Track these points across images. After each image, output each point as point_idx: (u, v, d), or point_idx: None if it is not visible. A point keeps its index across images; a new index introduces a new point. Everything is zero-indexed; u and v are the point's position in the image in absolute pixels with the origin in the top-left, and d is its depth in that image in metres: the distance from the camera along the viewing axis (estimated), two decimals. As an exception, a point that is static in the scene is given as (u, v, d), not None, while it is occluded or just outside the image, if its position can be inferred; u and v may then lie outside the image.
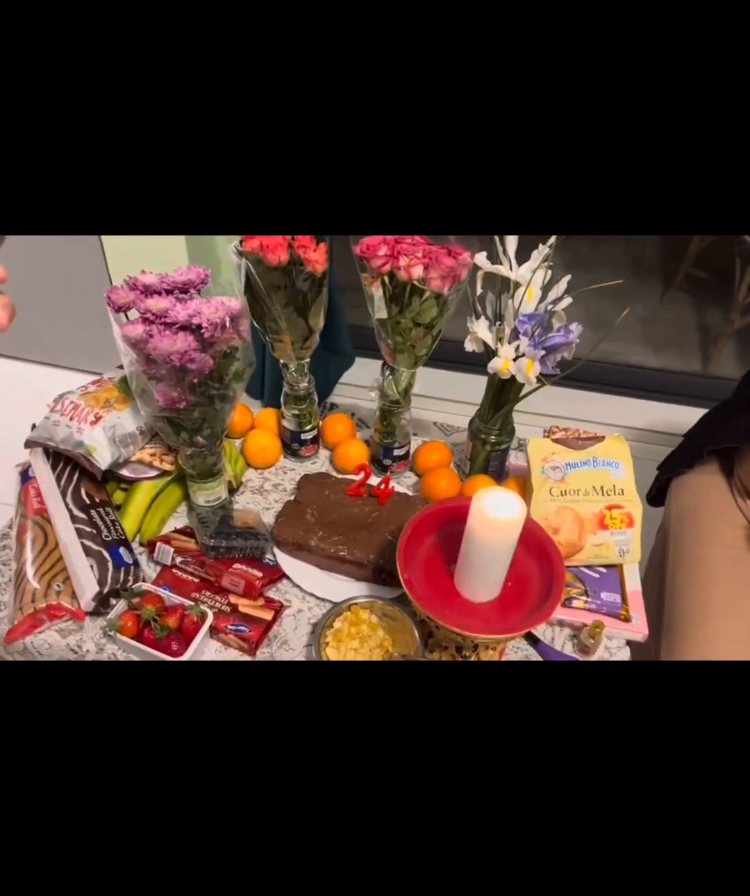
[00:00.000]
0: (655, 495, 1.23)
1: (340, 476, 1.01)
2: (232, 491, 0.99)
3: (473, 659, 0.80)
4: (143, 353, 0.73)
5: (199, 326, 0.70)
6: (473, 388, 0.99)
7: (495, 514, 0.65)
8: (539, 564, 0.76)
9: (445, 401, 1.50)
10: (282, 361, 0.97)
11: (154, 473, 0.93)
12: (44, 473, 0.89)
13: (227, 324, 0.72)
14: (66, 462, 0.90)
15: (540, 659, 0.83)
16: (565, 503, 0.88)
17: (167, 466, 0.93)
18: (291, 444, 1.06)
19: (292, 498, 0.97)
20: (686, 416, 1.32)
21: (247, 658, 0.82)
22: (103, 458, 0.85)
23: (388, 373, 0.95)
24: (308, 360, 0.97)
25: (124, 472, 0.92)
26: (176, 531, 0.93)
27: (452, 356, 1.49)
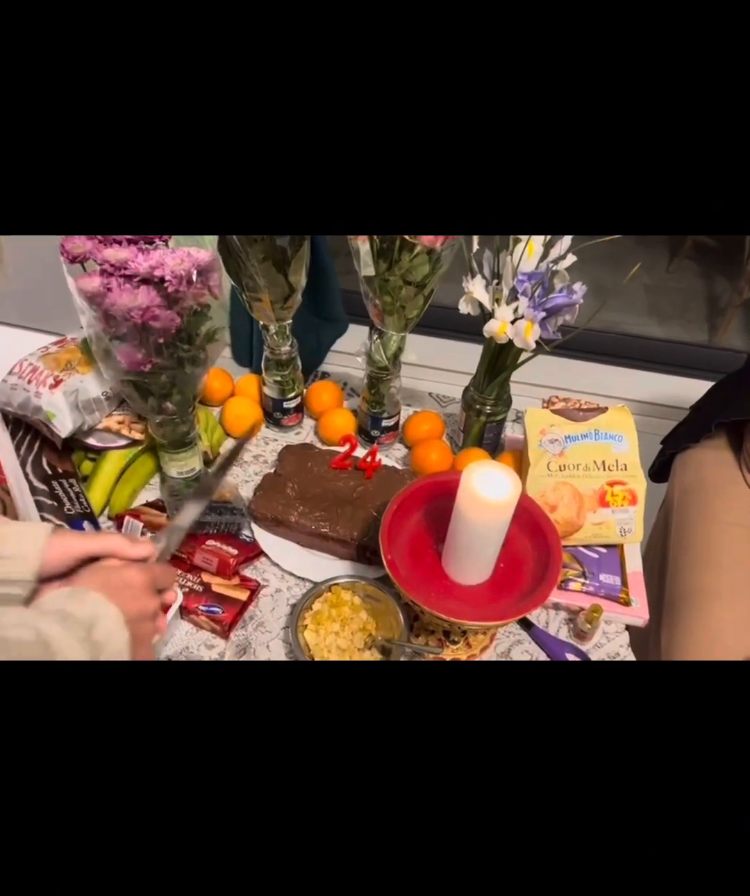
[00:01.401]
0: (658, 471, 1.18)
1: (325, 447, 0.95)
2: (208, 462, 0.93)
3: (461, 644, 0.75)
4: (102, 310, 0.66)
5: (162, 279, 0.63)
6: (471, 357, 0.93)
7: (485, 492, 0.60)
8: (534, 544, 0.71)
9: (442, 371, 1.43)
10: (262, 323, 0.90)
11: (123, 443, 0.87)
12: (2, 441, 0.82)
13: (194, 277, 0.65)
14: (27, 429, 0.84)
15: (534, 644, 0.78)
16: (564, 479, 0.82)
17: (137, 435, 0.87)
18: (273, 413, 1.00)
19: (272, 470, 0.92)
20: (691, 389, 1.26)
21: (219, 640, 0.77)
22: (64, 425, 0.78)
23: (376, 337, 0.88)
24: (290, 321, 0.90)
25: (91, 440, 0.86)
26: (147, 504, 0.87)
27: (449, 323, 1.43)
